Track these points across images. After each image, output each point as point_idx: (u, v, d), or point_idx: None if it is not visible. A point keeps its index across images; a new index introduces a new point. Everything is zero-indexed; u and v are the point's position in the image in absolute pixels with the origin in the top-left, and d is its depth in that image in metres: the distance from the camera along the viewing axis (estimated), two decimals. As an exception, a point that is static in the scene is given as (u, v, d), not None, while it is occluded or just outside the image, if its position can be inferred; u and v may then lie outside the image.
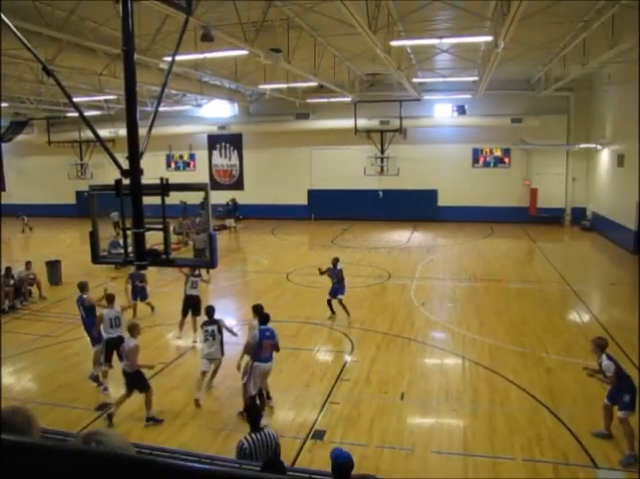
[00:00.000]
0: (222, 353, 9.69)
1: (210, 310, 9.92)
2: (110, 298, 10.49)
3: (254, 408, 6.81)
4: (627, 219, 21.44)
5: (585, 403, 9.07)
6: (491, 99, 26.84)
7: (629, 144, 21.49)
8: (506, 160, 29.83)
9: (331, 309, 13.72)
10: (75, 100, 6.27)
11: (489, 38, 12.99)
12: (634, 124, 20.28)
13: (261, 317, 9.08)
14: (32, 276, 16.23)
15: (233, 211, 29.91)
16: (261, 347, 8.71)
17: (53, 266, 17.93)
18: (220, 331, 9.73)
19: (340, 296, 13.54)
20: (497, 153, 29.89)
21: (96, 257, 6.12)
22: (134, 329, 9.04)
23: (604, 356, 7.81)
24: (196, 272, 13.02)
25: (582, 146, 27.52)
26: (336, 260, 13.91)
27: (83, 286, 11.07)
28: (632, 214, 20.70)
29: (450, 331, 12.94)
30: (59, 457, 1.18)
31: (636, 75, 19.72)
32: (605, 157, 25.31)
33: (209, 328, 9.60)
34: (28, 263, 16.35)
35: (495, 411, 8.92)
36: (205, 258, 15.90)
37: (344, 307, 13.53)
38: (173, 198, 5.67)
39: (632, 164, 20.93)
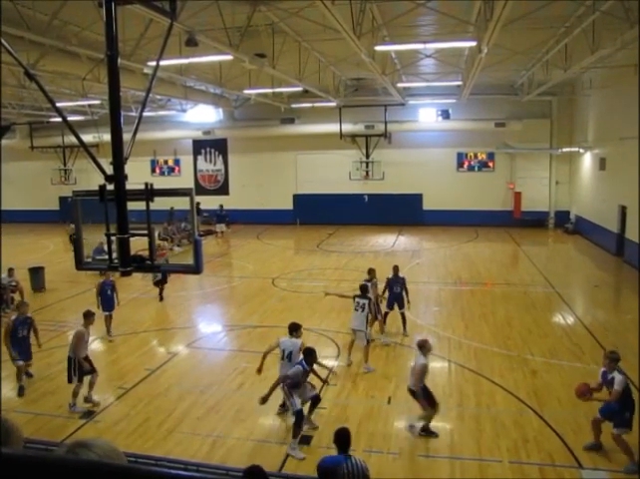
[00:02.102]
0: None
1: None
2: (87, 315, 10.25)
3: (344, 433, 6.01)
4: (609, 221, 21.72)
5: (570, 405, 9.12)
6: (475, 103, 27.09)
7: (610, 147, 21.81)
8: (491, 164, 30.09)
9: (384, 322, 12.91)
10: (58, 105, 6.20)
11: (473, 43, 13.10)
12: (614, 128, 20.63)
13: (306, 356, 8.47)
14: (14, 283, 16.00)
15: (224, 216, 29.77)
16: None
17: (36, 273, 17.72)
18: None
19: (404, 309, 12.90)
20: (482, 157, 30.16)
21: (80, 264, 6.05)
22: (423, 347, 8.57)
23: (617, 371, 7.51)
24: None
25: (565, 150, 27.87)
26: (397, 269, 13.14)
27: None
28: (614, 216, 20.98)
29: (435, 335, 12.97)
30: (41, 468, 1.16)
31: (616, 81, 20.06)
32: (587, 160, 25.65)
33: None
34: (10, 270, 16.13)
35: (482, 414, 8.96)
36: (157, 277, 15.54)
37: (404, 322, 12.97)
38: (160, 203, 5.63)
39: (613, 167, 21.27)
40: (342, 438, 5.89)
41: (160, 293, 16.38)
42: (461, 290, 17.04)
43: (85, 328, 10.04)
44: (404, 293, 12.85)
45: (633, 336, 12.08)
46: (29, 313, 10.88)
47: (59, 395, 9.93)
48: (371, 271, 12.86)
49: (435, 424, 8.82)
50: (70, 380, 9.59)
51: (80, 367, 9.62)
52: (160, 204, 5.70)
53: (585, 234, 25.62)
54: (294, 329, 9.00)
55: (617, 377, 7.41)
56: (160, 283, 16.24)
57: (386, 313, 12.95)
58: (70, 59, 15.15)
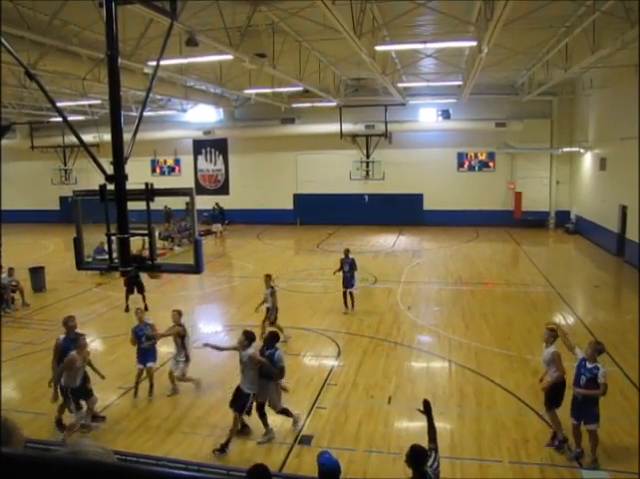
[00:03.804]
0: None
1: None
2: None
3: (421, 452, 5.25)
4: (609, 221, 21.69)
5: (570, 404, 9.12)
6: (476, 103, 27.06)
7: (611, 147, 21.78)
8: (491, 164, 30.07)
9: (345, 303, 14.57)
10: (58, 104, 6.19)
11: (473, 43, 13.08)
12: (615, 128, 20.60)
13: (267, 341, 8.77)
14: (15, 283, 16.00)
15: (219, 216, 29.78)
16: None
17: (36, 273, 17.70)
18: None
19: (353, 289, 14.46)
20: (482, 157, 30.13)
21: (80, 264, 6.03)
22: None
23: (598, 363, 7.53)
24: None
25: (565, 149, 27.82)
26: (347, 251, 14.97)
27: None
28: (614, 216, 20.94)
29: (436, 335, 12.97)
30: (41, 467, 1.16)
31: (616, 80, 20.03)
32: (588, 160, 25.61)
33: None
34: (11, 270, 16.12)
35: (482, 414, 8.95)
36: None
37: (352, 301, 14.57)
38: (158, 203, 5.60)
39: (614, 167, 21.25)
40: (419, 455, 5.21)
41: (127, 301, 14.89)
42: (461, 290, 17.02)
43: (76, 353, 8.46)
44: (354, 273, 14.57)
45: (633, 336, 12.09)
46: (78, 329, 9.21)
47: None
48: (267, 278, 12.69)
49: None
50: (71, 411, 8.51)
51: (75, 393, 8.49)
52: (160, 203, 5.70)
53: (586, 233, 25.58)
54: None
55: (601, 370, 7.44)
56: (129, 290, 14.54)
57: (344, 292, 14.58)
58: (70, 59, 15.15)
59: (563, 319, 14.18)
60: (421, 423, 8.76)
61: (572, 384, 7.72)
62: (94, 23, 12.09)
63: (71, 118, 25.28)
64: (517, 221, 28.90)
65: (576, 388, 7.64)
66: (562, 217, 28.77)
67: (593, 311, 15.08)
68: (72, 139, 25.47)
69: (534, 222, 28.89)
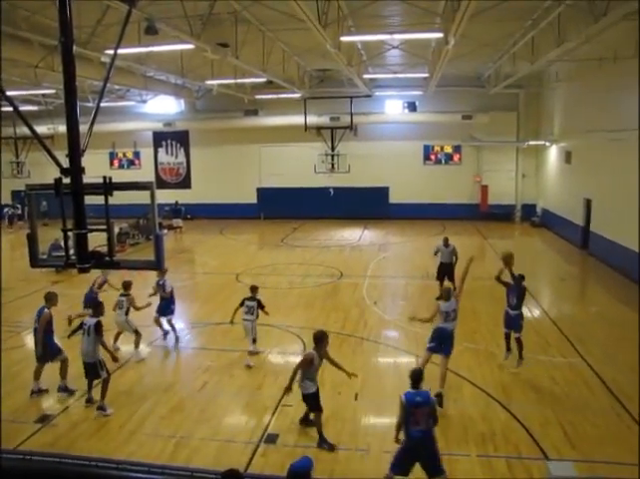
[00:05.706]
0: None
1: None
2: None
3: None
4: (575, 214, 21.99)
5: (536, 397, 9.24)
6: (442, 95, 27.18)
7: (576, 141, 22.09)
8: (457, 157, 30.27)
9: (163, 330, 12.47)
10: (9, 93, 5.94)
11: (440, 34, 13.04)
12: (580, 121, 20.92)
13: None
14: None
15: (180, 211, 29.17)
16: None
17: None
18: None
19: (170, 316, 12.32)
20: (448, 150, 30.30)
21: (35, 261, 5.81)
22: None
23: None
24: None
25: (531, 142, 28.12)
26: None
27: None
28: (579, 209, 21.22)
29: (402, 329, 12.92)
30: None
31: (581, 74, 20.29)
32: (553, 153, 26.00)
33: None
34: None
35: (449, 408, 8.91)
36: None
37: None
38: (124, 197, 5.46)
39: (579, 160, 21.60)
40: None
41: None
42: (427, 284, 17.01)
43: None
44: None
45: (598, 328, 12.34)
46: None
47: (13, 399, 9.46)
48: (127, 286, 11.54)
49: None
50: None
51: None
52: (124, 198, 5.51)
53: (551, 227, 25.99)
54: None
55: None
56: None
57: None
58: (20, 45, 14.43)
59: (529, 312, 14.30)
60: (387, 419, 8.73)
61: None
62: (45, 8, 11.56)
63: (23, 108, 24.44)
64: (484, 214, 29.16)
65: None
66: (528, 210, 29.13)
67: (559, 304, 15.28)
68: (24, 130, 24.51)
69: (501, 215, 29.17)
